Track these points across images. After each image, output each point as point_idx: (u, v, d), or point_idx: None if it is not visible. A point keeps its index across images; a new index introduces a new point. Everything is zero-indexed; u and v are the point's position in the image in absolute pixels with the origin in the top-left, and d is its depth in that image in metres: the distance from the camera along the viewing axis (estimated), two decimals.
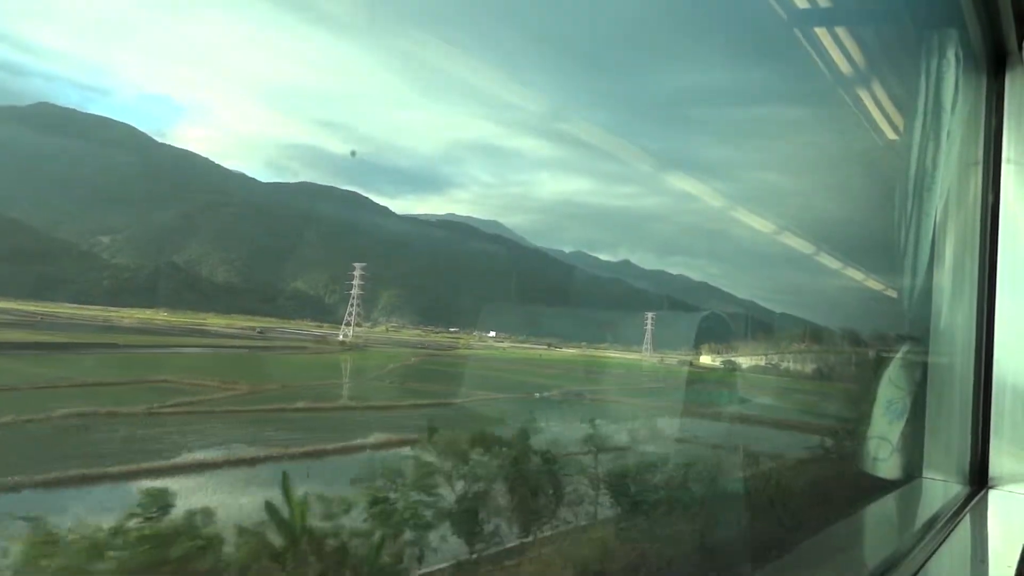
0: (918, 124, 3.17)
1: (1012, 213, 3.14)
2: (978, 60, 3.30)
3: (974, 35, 3.18)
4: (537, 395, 18.87)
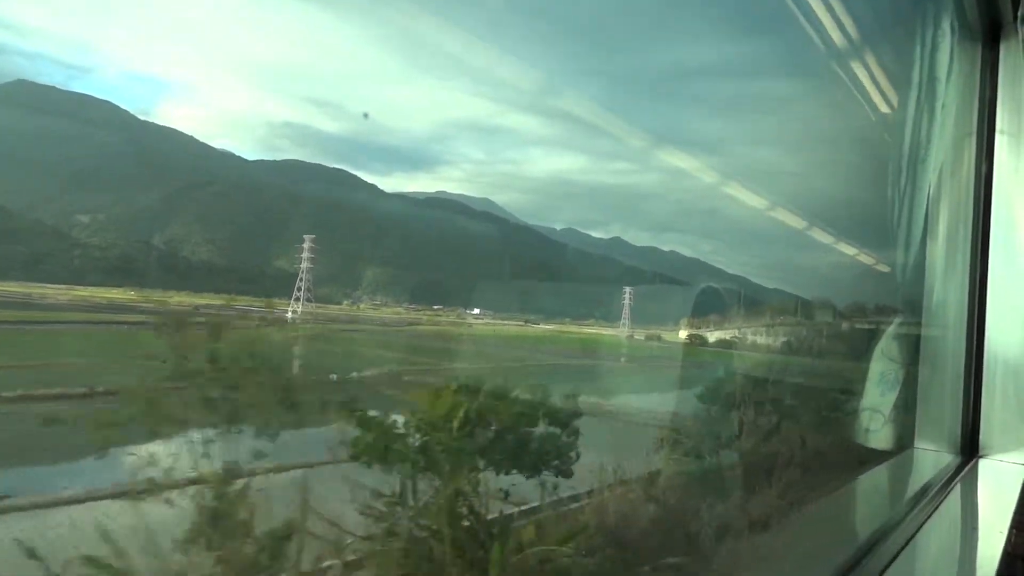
0: (912, 96, 3.15)
1: (1005, 184, 3.14)
2: (973, 30, 3.28)
3: (969, 5, 3.16)
4: (334, 376, 18.47)
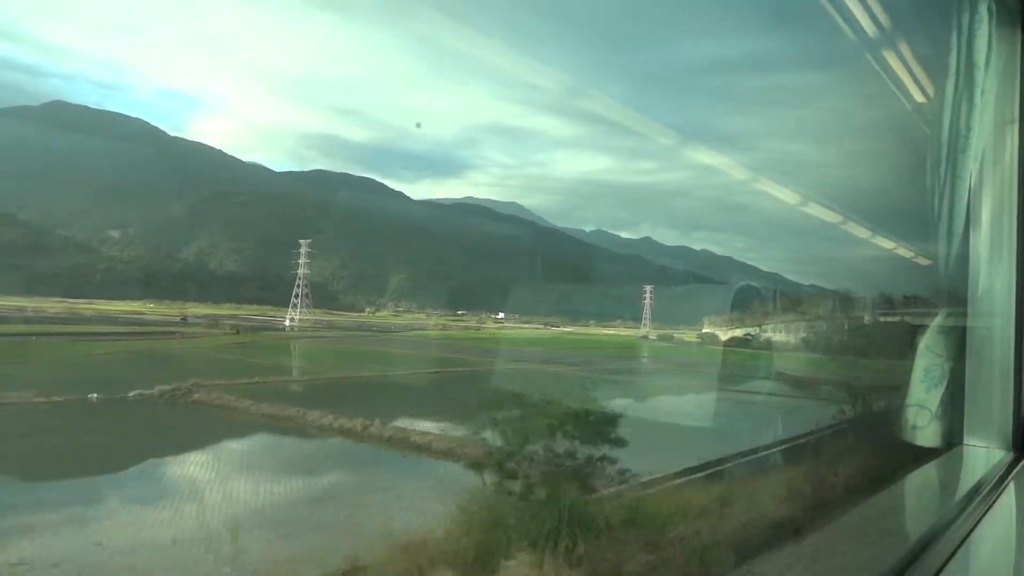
0: (950, 84, 3.07)
1: None
2: (1012, 14, 3.18)
3: None
4: (94, 396, 17.65)
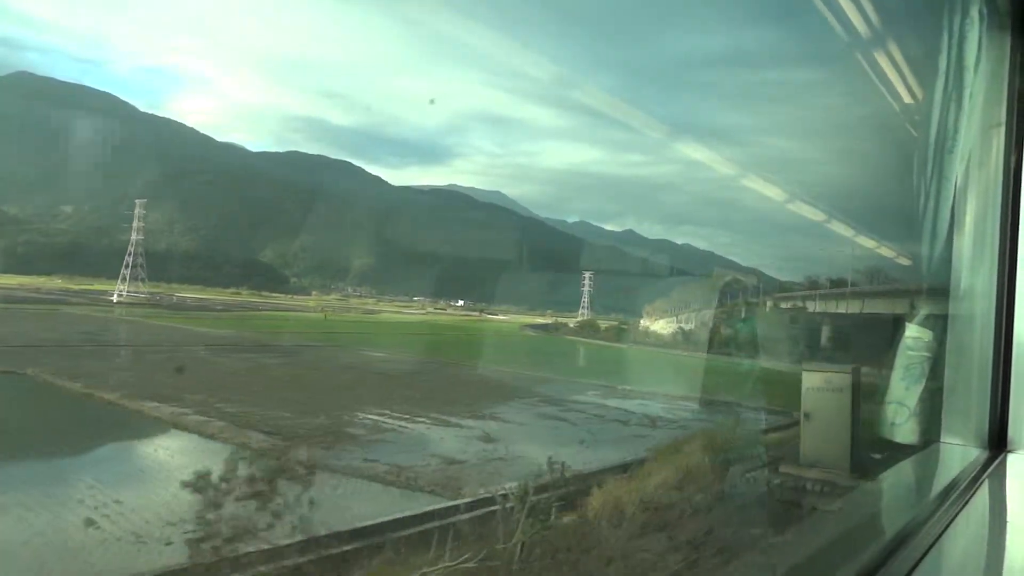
0: (939, 85, 3.09)
1: None
2: (1002, 18, 3.21)
3: None
4: None
